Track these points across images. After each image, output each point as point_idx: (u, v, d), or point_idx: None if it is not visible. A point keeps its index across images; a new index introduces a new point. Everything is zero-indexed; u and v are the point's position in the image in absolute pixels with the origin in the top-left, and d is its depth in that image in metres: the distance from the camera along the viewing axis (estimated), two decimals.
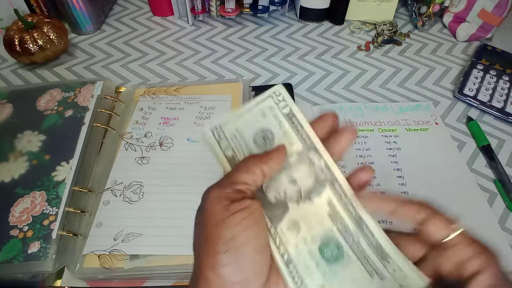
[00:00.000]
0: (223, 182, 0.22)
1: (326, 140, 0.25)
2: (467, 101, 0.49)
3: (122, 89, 0.50)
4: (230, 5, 0.62)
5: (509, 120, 0.47)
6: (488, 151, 0.43)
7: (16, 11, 0.53)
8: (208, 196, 0.21)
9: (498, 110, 0.47)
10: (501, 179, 0.40)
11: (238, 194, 0.21)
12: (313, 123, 0.26)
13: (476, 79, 0.51)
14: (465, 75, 0.52)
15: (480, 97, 0.49)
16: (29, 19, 0.54)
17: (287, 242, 0.23)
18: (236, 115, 0.26)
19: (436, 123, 0.47)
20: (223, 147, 0.26)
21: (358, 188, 0.24)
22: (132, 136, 0.42)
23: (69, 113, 0.43)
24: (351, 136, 0.25)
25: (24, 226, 0.33)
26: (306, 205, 0.24)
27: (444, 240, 0.21)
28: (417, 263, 0.22)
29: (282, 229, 0.23)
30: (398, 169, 0.42)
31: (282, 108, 0.26)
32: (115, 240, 0.34)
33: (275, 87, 0.26)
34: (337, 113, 0.26)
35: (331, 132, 0.26)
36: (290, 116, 0.26)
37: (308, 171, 0.25)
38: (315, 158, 0.25)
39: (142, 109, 0.46)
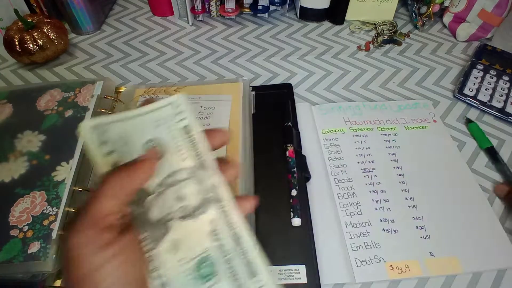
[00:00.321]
0: (86, 218, 0.18)
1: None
2: (467, 101, 0.49)
3: (122, 89, 0.50)
4: (230, 5, 0.62)
5: (509, 120, 0.47)
6: (492, 153, 0.43)
7: (16, 11, 0.52)
8: (71, 243, 0.18)
9: (498, 110, 0.47)
10: (508, 181, 0.40)
11: (106, 233, 0.18)
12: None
13: (476, 79, 0.51)
14: (465, 75, 0.52)
15: (480, 97, 0.49)
16: (29, 19, 0.54)
17: (164, 264, 0.22)
18: (123, 117, 0.24)
19: (435, 121, 0.47)
20: (105, 150, 0.23)
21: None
22: None
23: (69, 113, 0.43)
24: (233, 173, 0.24)
25: (24, 226, 0.33)
26: (189, 222, 0.23)
27: None
28: None
29: (160, 251, 0.22)
30: (398, 167, 0.42)
31: (180, 120, 0.24)
32: None
33: (176, 96, 0.24)
34: (227, 133, 0.25)
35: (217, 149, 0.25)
36: (187, 130, 0.24)
37: (197, 189, 0.24)
38: (205, 177, 0.24)
39: None
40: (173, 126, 0.24)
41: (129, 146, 0.24)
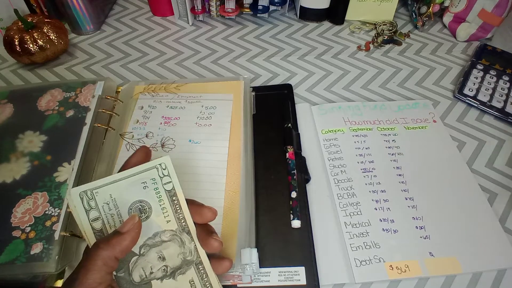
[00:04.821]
0: None
1: None
2: (467, 101, 0.49)
3: (120, 89, 0.50)
4: (230, 5, 0.62)
5: (509, 120, 0.47)
6: None
7: (16, 11, 0.52)
8: None
9: (498, 110, 0.48)
10: None
11: None
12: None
13: (476, 79, 0.51)
14: (465, 75, 0.52)
15: (480, 97, 0.49)
16: (29, 19, 0.54)
17: None
18: (112, 180, 0.26)
19: (434, 121, 0.47)
20: (91, 218, 0.25)
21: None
22: (133, 136, 0.42)
23: (70, 113, 0.43)
24: (216, 247, 0.26)
25: (26, 227, 0.33)
26: (169, 281, 0.26)
27: None
28: None
29: None
30: (397, 168, 0.42)
31: (165, 183, 0.26)
32: None
33: (162, 158, 0.26)
34: (215, 211, 0.27)
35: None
36: (171, 194, 0.26)
37: (178, 251, 0.26)
38: (186, 240, 0.26)
39: (142, 107, 0.45)
40: (160, 188, 0.26)
41: (117, 207, 0.26)
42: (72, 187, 0.36)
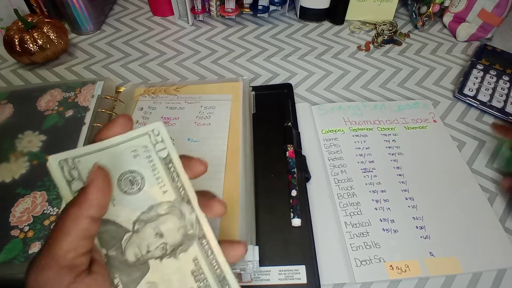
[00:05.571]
0: (47, 256, 0.18)
1: None
2: (467, 101, 0.49)
3: (122, 89, 0.50)
4: (230, 5, 0.62)
5: (509, 120, 0.47)
6: None
7: (16, 11, 0.52)
8: (32, 282, 0.17)
9: (498, 110, 0.47)
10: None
11: (67, 275, 0.18)
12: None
13: (476, 79, 0.51)
14: (465, 75, 0.52)
15: (480, 97, 0.49)
16: (29, 19, 0.54)
17: None
18: (97, 148, 0.22)
19: (435, 121, 0.47)
20: (74, 190, 0.21)
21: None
22: None
23: (69, 113, 0.43)
24: (219, 211, 0.24)
25: (25, 226, 0.33)
26: (169, 261, 0.22)
27: None
28: None
29: None
30: (398, 167, 0.42)
31: (159, 150, 0.23)
32: None
33: (154, 124, 0.23)
34: (204, 162, 0.24)
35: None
36: (167, 162, 0.23)
37: (177, 225, 0.23)
38: (186, 211, 0.23)
39: (142, 108, 0.45)
40: (153, 156, 0.23)
41: None
42: None
